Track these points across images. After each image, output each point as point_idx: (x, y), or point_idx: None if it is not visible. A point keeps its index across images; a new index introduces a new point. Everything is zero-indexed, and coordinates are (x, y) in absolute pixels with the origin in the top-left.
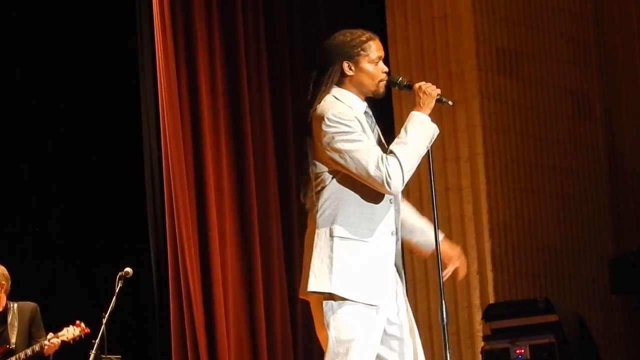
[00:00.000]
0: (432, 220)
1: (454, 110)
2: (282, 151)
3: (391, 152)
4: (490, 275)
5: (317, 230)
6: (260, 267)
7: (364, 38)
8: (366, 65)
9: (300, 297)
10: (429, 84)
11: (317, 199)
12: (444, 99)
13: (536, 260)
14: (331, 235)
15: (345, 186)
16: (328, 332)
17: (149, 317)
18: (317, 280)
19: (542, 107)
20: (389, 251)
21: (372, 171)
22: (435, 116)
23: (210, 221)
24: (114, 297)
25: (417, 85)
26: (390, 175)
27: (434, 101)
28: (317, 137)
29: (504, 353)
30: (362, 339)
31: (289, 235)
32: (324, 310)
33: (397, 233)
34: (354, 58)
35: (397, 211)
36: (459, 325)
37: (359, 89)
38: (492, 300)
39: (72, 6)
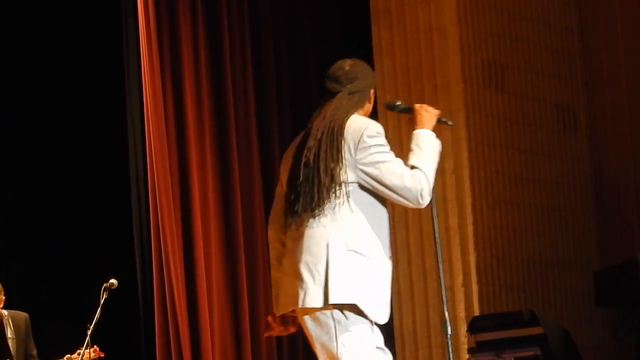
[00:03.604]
0: (432, 232)
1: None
2: (267, 162)
3: (414, 166)
4: (475, 287)
5: (330, 242)
6: (246, 279)
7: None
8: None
9: (306, 307)
10: (429, 106)
11: (332, 213)
12: (443, 119)
13: (521, 273)
14: (348, 249)
15: (359, 203)
16: (339, 347)
17: (134, 329)
18: (338, 292)
19: (528, 120)
20: (389, 273)
21: (408, 182)
22: None
23: (195, 232)
24: (99, 309)
25: (418, 105)
26: (423, 188)
27: (435, 119)
28: (346, 148)
29: None
30: (379, 357)
31: None
32: (332, 321)
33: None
34: (374, 85)
35: None
36: (443, 337)
37: (365, 115)
38: (477, 313)
39: (55, 16)
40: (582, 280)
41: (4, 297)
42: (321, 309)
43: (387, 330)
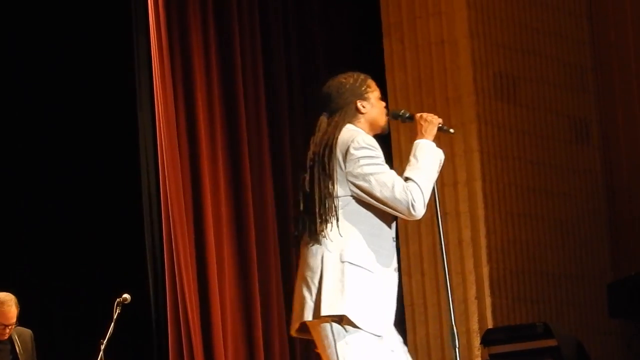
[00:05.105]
0: (439, 244)
1: (451, 135)
2: (280, 179)
3: (408, 178)
4: (488, 300)
5: (325, 254)
6: (259, 294)
7: (363, 77)
8: (375, 102)
9: (305, 320)
10: (430, 114)
11: (326, 225)
12: (445, 128)
13: (534, 285)
14: (342, 260)
15: (355, 216)
16: (334, 357)
17: (147, 344)
18: (329, 304)
19: (540, 131)
20: (393, 285)
21: (398, 194)
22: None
23: (208, 248)
24: (112, 324)
25: (418, 114)
26: (415, 199)
27: (436, 128)
28: (336, 162)
29: None
30: None
31: (287, 262)
32: (331, 334)
33: (398, 270)
34: (363, 95)
35: (398, 249)
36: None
37: (371, 126)
38: (490, 325)
39: (66, 32)
40: (595, 292)
41: (17, 310)
42: (320, 321)
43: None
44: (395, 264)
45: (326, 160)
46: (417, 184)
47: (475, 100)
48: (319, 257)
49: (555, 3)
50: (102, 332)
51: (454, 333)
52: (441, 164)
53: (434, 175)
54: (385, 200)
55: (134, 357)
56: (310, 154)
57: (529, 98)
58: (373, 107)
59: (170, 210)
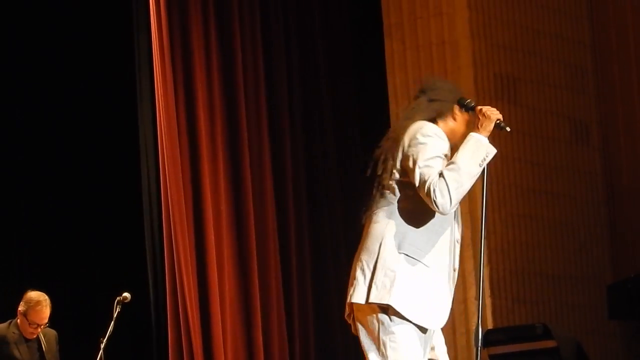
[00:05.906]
0: (480, 237)
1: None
2: (280, 178)
3: (441, 174)
4: (488, 300)
5: (384, 241)
6: (259, 293)
7: (471, 100)
8: (464, 122)
9: (352, 302)
10: (492, 108)
11: (390, 211)
12: (502, 125)
13: (534, 286)
14: (399, 251)
15: (417, 208)
16: (381, 348)
17: (147, 342)
18: (378, 292)
19: (540, 133)
20: (449, 283)
21: (426, 188)
22: None
23: (208, 247)
24: (112, 322)
25: (479, 107)
26: (437, 195)
27: (492, 124)
28: (403, 146)
29: None
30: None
31: (286, 260)
32: (378, 324)
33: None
34: (463, 110)
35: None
36: (457, 351)
37: (448, 134)
38: (490, 326)
39: (67, 31)
40: (594, 293)
41: (50, 311)
42: (369, 307)
43: None
44: (455, 264)
45: (395, 145)
46: (445, 179)
47: (475, 101)
48: (378, 243)
49: (555, 5)
50: (103, 331)
51: (478, 333)
52: (488, 159)
53: (471, 170)
54: (419, 191)
55: (134, 356)
56: (396, 125)
57: (529, 99)
58: (461, 124)
59: (171, 209)
